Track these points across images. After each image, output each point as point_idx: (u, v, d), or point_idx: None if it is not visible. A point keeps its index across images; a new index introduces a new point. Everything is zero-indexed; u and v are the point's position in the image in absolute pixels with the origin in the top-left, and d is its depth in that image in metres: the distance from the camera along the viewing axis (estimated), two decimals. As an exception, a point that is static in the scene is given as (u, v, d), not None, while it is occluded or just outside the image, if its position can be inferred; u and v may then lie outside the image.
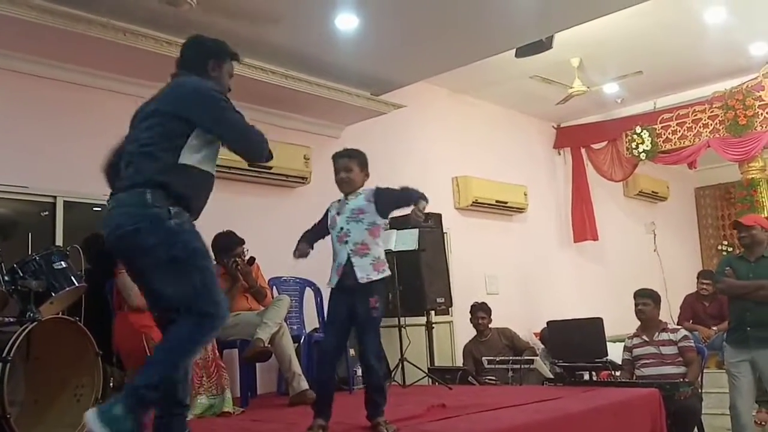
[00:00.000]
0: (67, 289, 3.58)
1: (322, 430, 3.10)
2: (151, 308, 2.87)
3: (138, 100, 5.31)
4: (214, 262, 4.90)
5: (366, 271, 3.17)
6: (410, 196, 3.27)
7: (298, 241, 3.38)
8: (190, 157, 2.63)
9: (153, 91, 5.40)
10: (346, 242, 3.21)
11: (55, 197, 4.67)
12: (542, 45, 5.92)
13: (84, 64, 4.79)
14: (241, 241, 4.90)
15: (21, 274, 3.46)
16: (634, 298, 5.27)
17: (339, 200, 3.37)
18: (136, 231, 2.51)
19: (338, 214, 3.30)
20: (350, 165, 3.29)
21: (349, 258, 3.19)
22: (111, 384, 3.69)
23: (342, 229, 3.25)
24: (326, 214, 3.39)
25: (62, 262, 3.59)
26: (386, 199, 3.28)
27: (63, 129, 4.77)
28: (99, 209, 4.94)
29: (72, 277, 3.61)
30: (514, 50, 6.03)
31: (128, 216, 2.53)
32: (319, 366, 3.30)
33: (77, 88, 4.86)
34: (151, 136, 2.63)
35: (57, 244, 4.44)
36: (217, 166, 5.69)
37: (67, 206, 4.71)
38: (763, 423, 5.00)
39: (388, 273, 3.25)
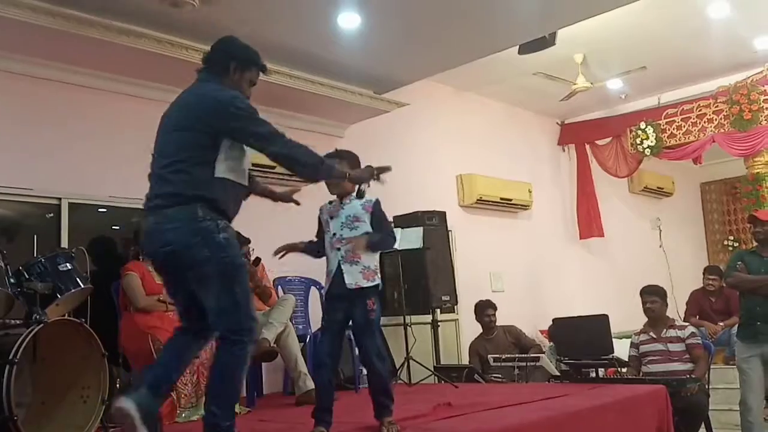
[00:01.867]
0: (73, 290, 3.58)
1: None
2: (182, 316, 2.88)
3: (141, 101, 5.35)
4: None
5: (354, 278, 3.12)
6: (388, 242, 3.26)
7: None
8: (224, 170, 2.69)
9: (157, 92, 5.44)
10: (338, 249, 3.16)
11: (60, 199, 4.68)
12: (545, 41, 5.90)
13: (87, 66, 4.80)
14: (247, 241, 4.89)
15: (27, 277, 3.47)
16: (641, 295, 5.25)
17: (330, 202, 3.29)
18: (189, 247, 2.59)
19: (331, 218, 3.23)
20: (341, 166, 3.19)
21: (339, 265, 3.14)
22: (117, 385, 3.70)
23: (335, 235, 3.19)
24: (319, 220, 3.32)
25: (67, 264, 3.59)
26: (377, 224, 3.24)
27: (67, 131, 4.78)
28: (104, 210, 4.97)
29: (77, 279, 3.62)
30: (517, 47, 6.02)
31: (179, 233, 2.60)
32: (316, 371, 3.24)
33: (81, 89, 4.87)
34: (181, 151, 2.67)
35: (62, 246, 4.45)
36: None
37: (72, 208, 4.72)
38: None
39: (378, 282, 3.19)
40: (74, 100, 4.84)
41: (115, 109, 5.03)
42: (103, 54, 4.62)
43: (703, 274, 7.11)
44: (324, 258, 3.29)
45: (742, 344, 4.72)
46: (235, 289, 2.63)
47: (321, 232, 3.31)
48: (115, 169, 4.96)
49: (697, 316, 6.82)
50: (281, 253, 3.27)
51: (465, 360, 6.47)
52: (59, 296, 3.53)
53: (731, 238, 10.59)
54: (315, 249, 3.33)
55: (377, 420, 3.13)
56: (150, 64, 4.82)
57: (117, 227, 5.11)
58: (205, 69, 2.89)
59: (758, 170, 7.44)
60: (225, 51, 2.90)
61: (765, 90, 7.13)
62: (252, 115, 2.72)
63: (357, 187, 3.12)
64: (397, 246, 5.15)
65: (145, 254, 2.77)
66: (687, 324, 5.40)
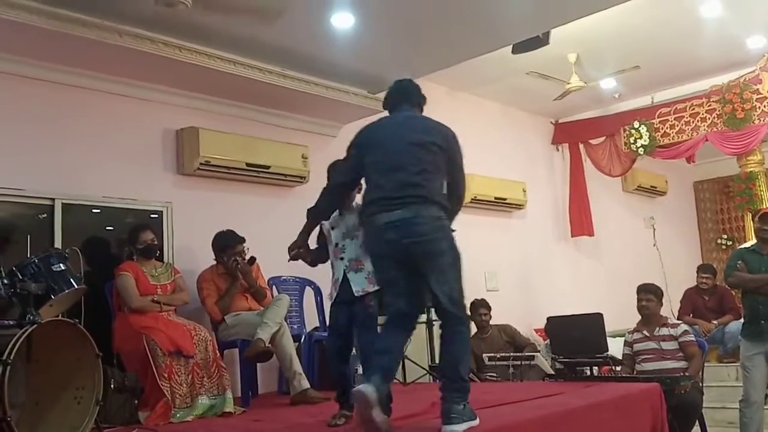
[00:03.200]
0: (67, 291, 3.56)
1: (345, 418, 3.30)
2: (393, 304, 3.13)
3: (135, 102, 5.32)
4: (214, 261, 4.92)
5: (361, 285, 3.35)
6: None
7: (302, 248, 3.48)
8: (446, 186, 3.18)
9: (151, 93, 5.40)
10: (342, 258, 3.39)
11: (53, 200, 4.66)
12: (539, 41, 5.90)
13: (80, 66, 4.78)
14: (242, 240, 4.90)
15: (20, 277, 3.45)
16: (637, 293, 5.26)
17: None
18: (436, 239, 3.02)
19: (332, 228, 3.46)
20: None
21: (344, 274, 3.37)
22: (111, 385, 3.68)
23: (337, 245, 3.43)
24: (321, 229, 3.53)
25: (61, 265, 3.58)
26: None
27: (60, 131, 4.77)
28: (97, 211, 4.95)
29: (71, 280, 3.60)
30: (511, 47, 6.02)
31: (429, 226, 3.02)
32: (329, 365, 3.60)
33: (74, 90, 4.85)
34: (428, 165, 3.11)
35: (56, 246, 4.43)
36: (216, 166, 5.71)
37: (66, 208, 4.70)
38: None
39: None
40: (67, 100, 4.82)
41: (108, 109, 5.02)
42: (97, 54, 4.61)
43: (697, 272, 7.14)
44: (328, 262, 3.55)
45: (746, 342, 4.75)
46: (460, 278, 3.06)
47: (322, 239, 3.57)
48: (108, 170, 4.95)
49: (691, 314, 6.85)
50: (293, 253, 3.48)
51: (460, 359, 6.46)
52: (53, 297, 3.52)
53: (724, 236, 10.63)
54: (321, 257, 3.59)
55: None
56: (143, 64, 4.81)
57: (111, 228, 5.08)
58: (409, 103, 3.35)
59: (751, 169, 7.48)
60: (419, 90, 3.42)
61: (757, 89, 7.16)
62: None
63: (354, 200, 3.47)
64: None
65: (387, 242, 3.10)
66: (680, 322, 5.43)
